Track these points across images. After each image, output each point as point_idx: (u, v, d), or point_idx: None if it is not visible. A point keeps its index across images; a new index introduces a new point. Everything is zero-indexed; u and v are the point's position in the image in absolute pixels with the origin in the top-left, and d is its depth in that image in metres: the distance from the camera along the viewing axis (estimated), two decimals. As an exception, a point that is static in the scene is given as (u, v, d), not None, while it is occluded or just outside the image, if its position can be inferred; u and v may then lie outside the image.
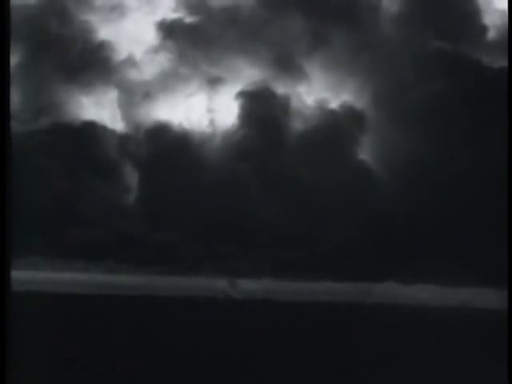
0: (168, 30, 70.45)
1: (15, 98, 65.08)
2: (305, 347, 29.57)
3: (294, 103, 68.25)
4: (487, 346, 29.21)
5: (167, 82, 69.71)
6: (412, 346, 30.42)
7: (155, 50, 70.51)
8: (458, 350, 29.53)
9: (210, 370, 22.81)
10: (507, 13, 59.61)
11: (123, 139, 67.88)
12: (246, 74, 69.28)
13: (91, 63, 68.65)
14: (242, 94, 68.60)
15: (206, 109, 68.44)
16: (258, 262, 59.56)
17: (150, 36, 70.89)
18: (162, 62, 70.26)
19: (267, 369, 23.52)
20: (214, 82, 68.97)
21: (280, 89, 68.59)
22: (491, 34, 67.92)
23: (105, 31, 70.87)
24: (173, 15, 70.92)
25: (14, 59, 63.79)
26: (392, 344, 31.11)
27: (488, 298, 48.85)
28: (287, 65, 69.16)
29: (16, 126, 61.49)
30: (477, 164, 61.24)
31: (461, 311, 48.12)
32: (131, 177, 65.71)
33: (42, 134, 64.61)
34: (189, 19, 70.84)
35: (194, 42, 69.72)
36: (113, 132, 67.58)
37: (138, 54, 70.89)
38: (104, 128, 67.25)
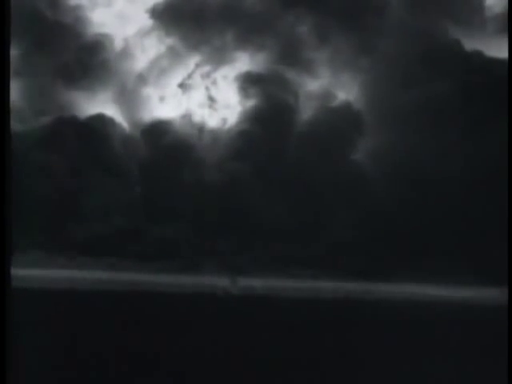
0: (167, 14, 69.50)
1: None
2: (304, 343, 29.61)
3: (296, 99, 68.10)
4: (487, 345, 29.23)
5: (165, 69, 69.22)
6: (411, 345, 30.45)
7: (153, 36, 69.80)
8: (458, 349, 29.56)
9: (210, 366, 22.85)
10: (507, 13, 59.69)
11: (122, 133, 67.73)
12: (245, 63, 69.02)
13: (85, 54, 68.04)
14: (241, 82, 68.42)
15: (206, 97, 68.30)
16: (259, 259, 59.64)
17: (146, 21, 69.81)
18: (160, 48, 69.59)
19: (266, 365, 23.57)
20: (213, 74, 68.75)
21: (282, 78, 68.32)
22: (493, 29, 67.98)
23: (97, 15, 69.81)
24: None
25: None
26: (392, 342, 31.14)
27: (488, 296, 48.91)
28: (290, 54, 68.89)
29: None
30: (477, 163, 61.27)
31: (460, 309, 48.15)
32: (132, 173, 65.64)
33: (43, 130, 64.62)
34: (188, 4, 70.00)
35: (193, 27, 69.08)
36: (113, 125, 67.33)
37: (134, 40, 69.98)
38: (104, 122, 67.03)
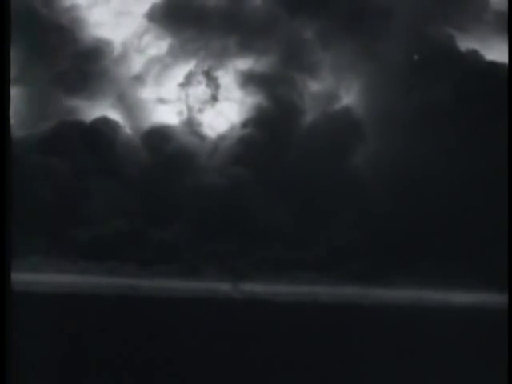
0: (166, 16, 68.92)
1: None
2: (304, 347, 29.61)
3: (300, 101, 67.98)
4: (487, 350, 29.22)
5: (165, 72, 68.88)
6: (412, 349, 30.45)
7: (153, 38, 69.32)
8: (458, 353, 29.56)
9: (211, 371, 22.83)
10: (507, 15, 59.70)
11: (124, 137, 67.51)
12: (247, 65, 68.81)
13: (82, 60, 67.55)
14: (243, 84, 68.27)
15: (210, 97, 68.12)
16: (260, 263, 59.57)
17: (145, 22, 69.17)
18: (160, 51, 69.05)
19: (267, 369, 23.55)
20: (213, 71, 68.49)
21: (284, 80, 68.16)
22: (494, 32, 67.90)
23: (94, 16, 68.99)
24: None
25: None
26: (391, 345, 31.13)
27: (488, 300, 48.86)
28: (293, 58, 68.69)
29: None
30: (477, 164, 61.23)
31: (461, 314, 48.11)
32: (132, 176, 65.50)
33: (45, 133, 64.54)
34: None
35: (193, 27, 68.57)
36: (115, 128, 67.11)
37: (133, 43, 69.33)
38: (107, 125, 66.81)
